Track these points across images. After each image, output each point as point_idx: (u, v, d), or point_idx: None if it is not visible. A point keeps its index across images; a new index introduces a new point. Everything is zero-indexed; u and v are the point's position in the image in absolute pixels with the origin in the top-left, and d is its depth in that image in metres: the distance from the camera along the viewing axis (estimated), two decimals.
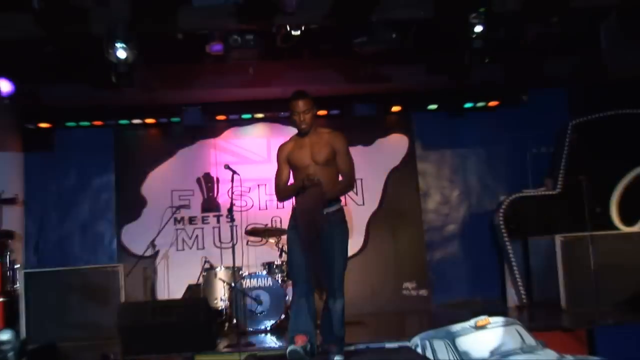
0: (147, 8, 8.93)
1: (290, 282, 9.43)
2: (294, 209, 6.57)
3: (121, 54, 8.77)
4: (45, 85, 11.33)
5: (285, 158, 6.52)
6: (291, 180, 6.71)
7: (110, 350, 8.42)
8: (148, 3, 8.93)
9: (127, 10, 8.73)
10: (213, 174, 12.52)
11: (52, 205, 12.46)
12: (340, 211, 6.56)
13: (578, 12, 9.83)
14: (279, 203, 8.67)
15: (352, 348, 7.33)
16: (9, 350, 7.78)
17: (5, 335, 8.49)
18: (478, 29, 9.12)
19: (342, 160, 6.47)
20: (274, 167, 6.81)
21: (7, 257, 10.80)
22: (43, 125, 12.52)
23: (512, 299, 11.79)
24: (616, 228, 11.34)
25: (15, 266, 10.95)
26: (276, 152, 6.69)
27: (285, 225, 7.45)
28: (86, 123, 12.57)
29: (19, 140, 12.44)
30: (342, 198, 6.76)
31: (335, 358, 6.33)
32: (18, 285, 10.47)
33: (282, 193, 6.65)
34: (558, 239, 10.68)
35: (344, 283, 6.47)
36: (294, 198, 6.56)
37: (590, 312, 9.68)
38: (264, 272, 10.44)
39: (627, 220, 11.43)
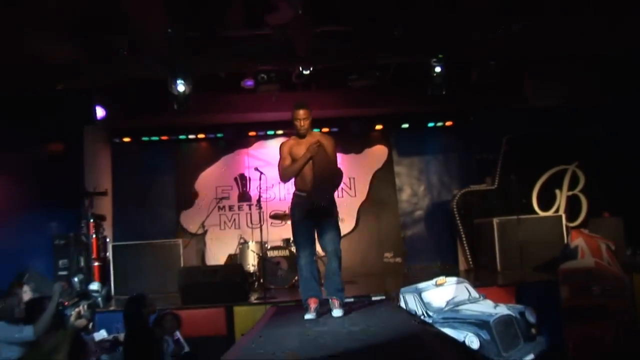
0: (201, 55, 9.01)
1: None
2: (294, 195, 6.22)
3: (180, 88, 8.88)
4: (127, 110, 11.43)
5: (288, 151, 6.08)
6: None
7: (172, 302, 8.50)
8: (201, 48, 9.01)
9: (185, 54, 8.81)
10: (246, 174, 12.47)
11: (131, 196, 12.48)
12: (332, 195, 6.19)
13: (510, 58, 9.93)
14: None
15: (349, 299, 7.19)
16: (97, 297, 7.80)
17: (95, 286, 8.53)
18: (437, 69, 9.21)
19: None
20: None
21: (101, 233, 10.85)
22: (125, 139, 12.61)
23: (462, 264, 11.81)
24: (536, 213, 11.38)
25: (107, 240, 11.03)
26: (279, 148, 6.23)
27: None
28: (156, 138, 12.68)
29: (109, 150, 12.52)
30: (337, 190, 6.49)
31: (335, 313, 5.78)
32: (108, 253, 10.55)
33: (288, 172, 6.13)
34: (495, 221, 10.68)
35: (340, 248, 5.98)
36: (294, 183, 6.19)
37: (517, 273, 9.83)
38: (283, 245, 10.49)
39: (544, 208, 11.47)
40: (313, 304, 5.82)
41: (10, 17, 7.92)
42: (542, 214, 11.37)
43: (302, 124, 6.10)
